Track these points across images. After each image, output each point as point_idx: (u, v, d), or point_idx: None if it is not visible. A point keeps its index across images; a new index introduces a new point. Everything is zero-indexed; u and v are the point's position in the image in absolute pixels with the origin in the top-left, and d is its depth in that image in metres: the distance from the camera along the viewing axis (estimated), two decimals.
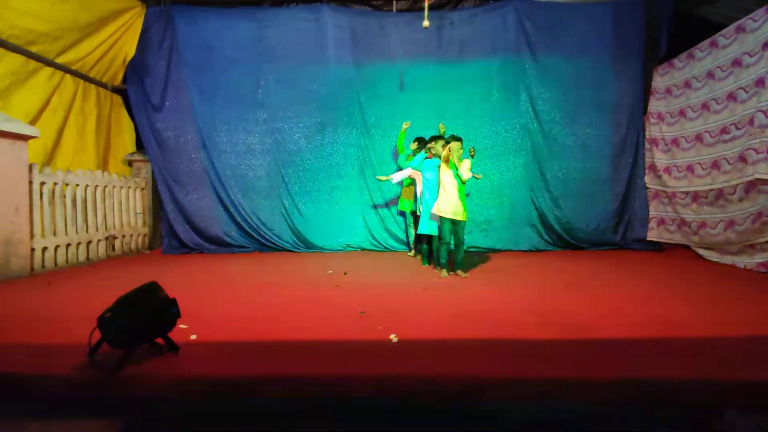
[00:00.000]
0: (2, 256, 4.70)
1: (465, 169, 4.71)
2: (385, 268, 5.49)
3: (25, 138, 4.97)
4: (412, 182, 6.02)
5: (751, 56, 5.16)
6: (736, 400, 2.07)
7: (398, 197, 6.63)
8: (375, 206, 7.14)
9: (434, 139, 5.31)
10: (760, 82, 4.99)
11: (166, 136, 6.99)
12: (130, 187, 7.05)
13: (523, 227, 7.04)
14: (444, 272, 4.83)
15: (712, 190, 5.72)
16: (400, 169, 5.99)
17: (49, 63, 5.76)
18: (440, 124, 5.88)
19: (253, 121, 7.07)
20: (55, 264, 5.48)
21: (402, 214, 6.88)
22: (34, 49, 5.45)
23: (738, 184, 5.30)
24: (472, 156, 4.94)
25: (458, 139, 4.75)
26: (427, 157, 5.19)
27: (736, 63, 5.37)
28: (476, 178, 5.24)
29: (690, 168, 6.15)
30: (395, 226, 7.16)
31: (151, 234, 7.47)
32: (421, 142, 5.80)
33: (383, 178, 5.57)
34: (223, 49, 6.98)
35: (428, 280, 4.71)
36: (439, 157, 4.98)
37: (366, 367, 2.34)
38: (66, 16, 5.66)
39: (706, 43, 5.90)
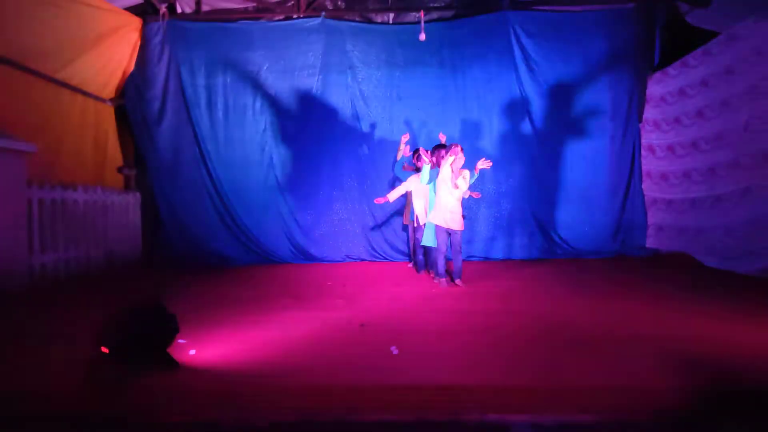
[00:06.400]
0: (0, 272, 4.68)
1: (464, 185, 4.71)
2: (385, 279, 5.47)
3: (23, 154, 4.98)
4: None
5: (743, 64, 5.22)
6: (734, 408, 2.06)
7: (403, 207, 6.52)
8: (374, 217, 7.14)
9: (437, 148, 5.30)
10: (752, 90, 5.04)
11: (164, 149, 7.01)
12: (128, 202, 7.04)
13: (521, 236, 7.04)
14: (443, 282, 4.82)
15: (709, 196, 5.74)
16: (398, 178, 5.97)
17: (48, 78, 5.79)
18: (441, 134, 5.84)
19: (251, 133, 7.10)
20: (54, 279, 5.45)
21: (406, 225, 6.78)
22: (33, 65, 5.48)
23: (734, 190, 5.33)
24: (479, 168, 4.80)
25: (460, 149, 4.72)
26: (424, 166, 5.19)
27: (729, 71, 5.42)
28: (474, 197, 5.06)
29: (686, 174, 6.18)
30: (395, 236, 7.16)
31: (149, 248, 7.43)
32: (417, 152, 5.79)
33: (381, 200, 5.52)
34: (222, 63, 7.03)
35: (428, 290, 4.70)
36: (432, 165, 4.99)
37: (366, 379, 2.33)
38: (65, 31, 5.70)
39: (698, 51, 5.97)
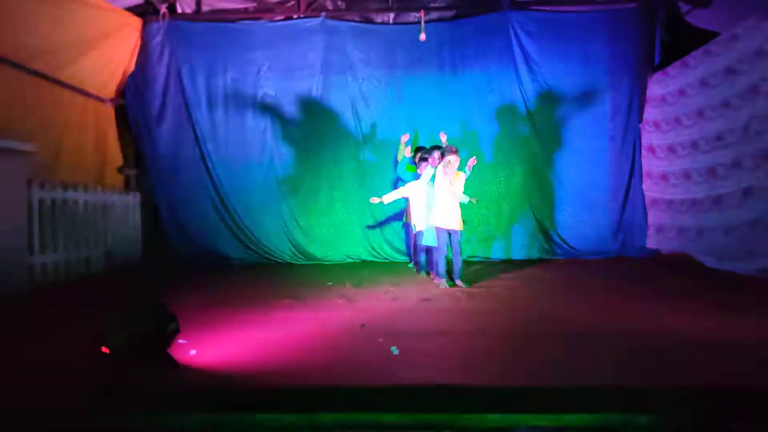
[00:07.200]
0: (1, 272, 4.68)
1: (459, 187, 4.74)
2: (385, 280, 5.47)
3: (23, 154, 4.98)
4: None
5: (743, 64, 5.22)
6: (736, 407, 2.06)
7: (402, 210, 6.52)
8: (374, 217, 7.14)
9: (433, 149, 5.32)
10: (753, 90, 5.04)
11: (164, 149, 7.03)
12: (128, 202, 7.04)
13: (522, 236, 7.04)
14: (444, 283, 4.82)
15: (709, 196, 5.74)
16: (400, 178, 5.99)
17: (48, 78, 5.79)
18: (441, 133, 5.83)
19: (252, 134, 7.11)
20: (55, 280, 5.46)
21: (407, 225, 6.78)
22: (33, 65, 5.48)
23: (734, 191, 5.33)
24: (471, 166, 4.90)
25: (454, 151, 4.79)
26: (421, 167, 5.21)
27: (729, 71, 5.42)
28: (472, 203, 4.99)
29: (687, 175, 6.18)
30: (395, 236, 7.16)
31: (150, 248, 7.43)
32: (419, 152, 5.79)
33: (376, 200, 5.51)
34: (222, 64, 7.03)
35: (428, 290, 4.70)
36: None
37: (367, 380, 2.33)
38: (65, 31, 5.70)
39: (699, 51, 5.97)
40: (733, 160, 5.31)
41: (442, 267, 4.86)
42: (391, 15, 7.37)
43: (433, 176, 4.96)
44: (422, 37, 6.02)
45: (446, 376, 2.36)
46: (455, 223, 4.77)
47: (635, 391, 2.15)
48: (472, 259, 6.81)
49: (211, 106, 7.06)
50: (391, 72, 7.10)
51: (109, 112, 7.15)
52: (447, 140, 5.64)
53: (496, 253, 7.02)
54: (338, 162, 7.12)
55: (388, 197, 5.47)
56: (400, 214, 6.57)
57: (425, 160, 5.25)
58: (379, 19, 7.38)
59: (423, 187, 5.16)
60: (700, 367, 2.41)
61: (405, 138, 6.01)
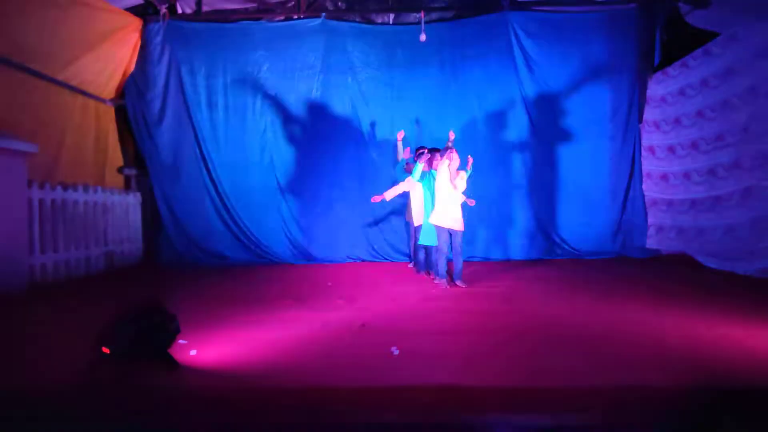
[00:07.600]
0: (1, 272, 4.68)
1: (462, 185, 4.76)
2: (385, 280, 5.47)
3: (23, 154, 4.98)
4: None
5: (743, 65, 5.22)
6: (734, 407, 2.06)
7: (402, 206, 6.53)
8: (375, 217, 7.14)
9: (432, 150, 5.33)
10: (753, 90, 5.04)
11: (164, 149, 7.03)
12: (128, 202, 7.05)
13: (522, 237, 7.04)
14: (444, 283, 4.82)
15: (709, 196, 5.74)
16: (397, 181, 5.98)
17: (49, 79, 5.80)
18: (450, 132, 5.81)
19: (252, 134, 7.11)
20: (54, 280, 5.46)
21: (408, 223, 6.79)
22: (33, 65, 5.49)
23: (734, 191, 5.33)
24: (470, 166, 4.95)
25: (453, 150, 4.81)
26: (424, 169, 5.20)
27: (729, 71, 5.43)
28: (469, 204, 5.02)
29: (687, 175, 6.18)
30: (395, 236, 7.16)
31: (149, 248, 7.44)
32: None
33: (377, 198, 5.52)
34: (222, 64, 7.05)
35: (428, 290, 4.70)
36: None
37: (367, 380, 2.33)
38: (65, 32, 5.71)
39: (699, 52, 5.97)
40: (733, 160, 5.32)
41: (442, 267, 4.86)
42: (391, 15, 7.38)
43: (425, 174, 5.03)
44: (422, 37, 6.02)
45: (446, 375, 2.35)
46: (456, 222, 4.76)
47: (635, 391, 2.15)
48: (472, 260, 6.80)
49: (211, 106, 7.07)
50: (392, 72, 7.10)
51: (109, 112, 7.16)
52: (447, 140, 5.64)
53: (496, 253, 7.02)
54: (338, 162, 7.12)
55: (389, 193, 5.47)
56: (401, 210, 6.57)
57: (423, 153, 5.28)
58: (379, 20, 7.38)
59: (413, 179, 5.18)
60: (700, 367, 2.41)
61: (401, 135, 6.00)
